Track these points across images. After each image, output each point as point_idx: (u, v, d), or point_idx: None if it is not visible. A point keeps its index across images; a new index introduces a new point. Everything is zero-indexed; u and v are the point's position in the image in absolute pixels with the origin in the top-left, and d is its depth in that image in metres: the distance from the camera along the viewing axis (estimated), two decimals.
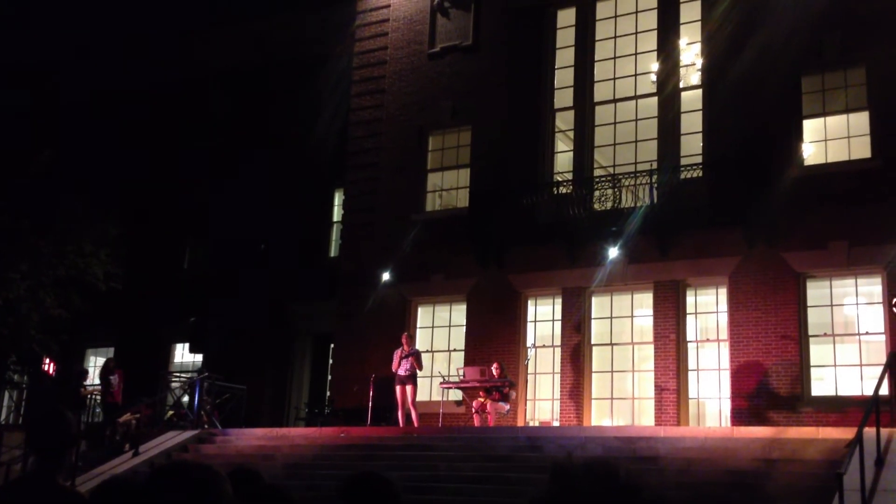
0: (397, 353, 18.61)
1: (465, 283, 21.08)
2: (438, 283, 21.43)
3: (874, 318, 17.62)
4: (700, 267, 18.83)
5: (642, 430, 16.86)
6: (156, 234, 27.43)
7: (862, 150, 18.14)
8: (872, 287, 17.79)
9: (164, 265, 27.45)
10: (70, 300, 22.31)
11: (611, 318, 20.10)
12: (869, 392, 14.41)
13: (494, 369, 18.25)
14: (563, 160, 21.78)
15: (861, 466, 10.80)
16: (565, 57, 21.74)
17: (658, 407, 18.58)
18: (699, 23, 20.28)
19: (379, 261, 21.96)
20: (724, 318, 18.72)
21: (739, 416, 17.65)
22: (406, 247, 21.65)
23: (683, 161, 19.65)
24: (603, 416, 19.77)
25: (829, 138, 18.63)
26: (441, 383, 19.33)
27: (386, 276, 21.76)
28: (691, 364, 18.91)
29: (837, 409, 16.88)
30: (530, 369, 20.23)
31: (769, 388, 17.69)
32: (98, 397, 22.17)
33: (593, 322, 20.08)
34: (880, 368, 14.23)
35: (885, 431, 12.46)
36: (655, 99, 20.44)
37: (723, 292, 18.79)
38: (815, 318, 17.96)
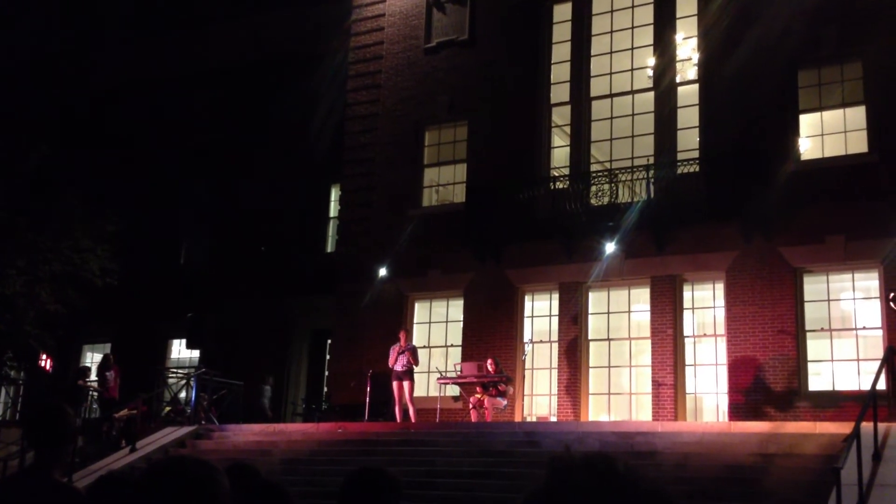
0: (394, 349, 18.59)
1: (463, 279, 21.08)
2: (435, 279, 21.43)
3: (871, 313, 17.63)
4: (697, 262, 18.84)
5: (640, 425, 16.87)
6: (152, 230, 27.39)
7: (859, 144, 18.14)
8: (869, 281, 17.80)
9: (160, 261, 27.43)
10: (66, 296, 22.29)
11: (608, 313, 20.11)
12: (866, 386, 14.44)
13: (489, 364, 18.25)
14: (560, 155, 21.77)
15: (858, 461, 10.81)
16: (561, 52, 21.73)
17: (655, 402, 18.59)
18: (695, 17, 20.28)
19: (376, 256, 21.95)
20: (721, 313, 18.72)
21: (737, 411, 17.66)
22: (403, 242, 21.65)
23: (680, 156, 19.65)
24: (600, 411, 19.77)
25: (825, 133, 18.63)
26: (438, 379, 19.32)
27: (383, 272, 21.75)
28: (688, 359, 18.92)
29: (835, 403, 16.89)
30: (527, 364, 20.25)
31: (766, 382, 17.71)
32: (95, 393, 22.16)
33: (590, 317, 20.08)
34: (877, 363, 14.27)
35: (882, 426, 12.47)
36: (652, 94, 20.44)
37: (720, 287, 18.80)
38: (812, 313, 17.97)
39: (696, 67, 20.24)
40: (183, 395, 22.10)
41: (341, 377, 21.47)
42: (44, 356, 25.92)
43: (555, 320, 20.25)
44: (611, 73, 21.16)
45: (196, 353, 24.64)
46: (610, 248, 19.23)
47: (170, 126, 28.45)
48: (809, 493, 11.66)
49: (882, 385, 13.44)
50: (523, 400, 20.18)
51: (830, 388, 17.42)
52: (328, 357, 23.54)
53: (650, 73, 20.66)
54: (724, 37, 19.43)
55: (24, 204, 21.66)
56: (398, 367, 18.45)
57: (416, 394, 18.96)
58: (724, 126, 19.06)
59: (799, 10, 18.68)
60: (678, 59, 20.52)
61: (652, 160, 19.57)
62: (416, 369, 18.82)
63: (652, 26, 20.65)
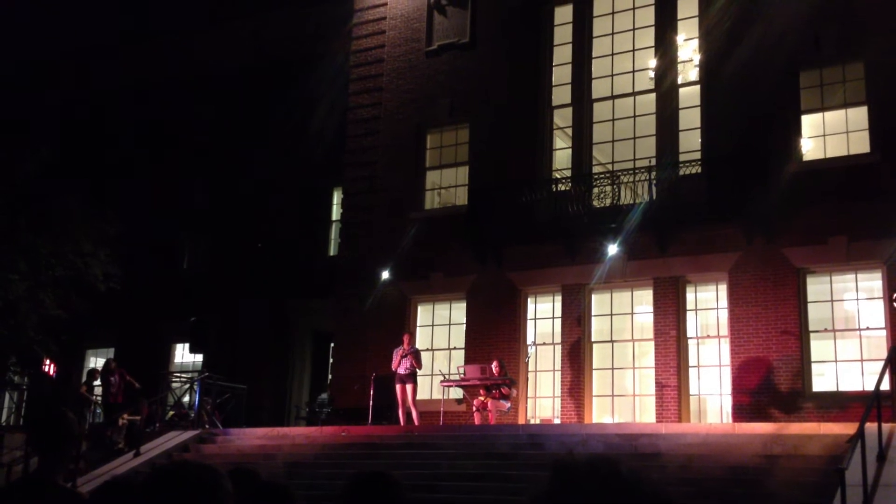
0: (397, 352, 18.59)
1: (465, 281, 21.08)
2: (438, 281, 21.43)
3: (874, 313, 17.62)
4: (699, 263, 18.83)
5: (643, 426, 16.84)
6: (153, 233, 27.38)
7: (860, 144, 18.13)
8: (872, 282, 17.78)
9: (162, 264, 27.43)
10: (69, 301, 22.27)
11: (611, 314, 20.10)
12: (870, 387, 14.43)
13: (494, 367, 18.24)
14: (562, 157, 21.77)
15: (863, 462, 10.80)
16: (563, 54, 21.73)
17: (659, 403, 18.58)
18: (696, 18, 20.28)
19: (378, 259, 21.95)
20: (724, 315, 18.71)
21: (740, 412, 17.64)
22: (405, 245, 21.65)
23: (682, 157, 19.64)
24: (604, 413, 19.76)
25: (827, 133, 18.62)
26: (441, 381, 19.31)
27: (385, 275, 21.75)
28: (692, 360, 18.91)
29: (838, 404, 16.88)
30: (531, 367, 20.23)
31: (770, 383, 17.69)
32: (99, 398, 22.15)
33: (593, 319, 20.08)
34: (881, 363, 14.23)
35: (886, 426, 12.44)
36: (653, 95, 20.43)
37: (723, 288, 18.79)
38: (816, 314, 17.96)
39: (697, 69, 20.24)
40: (186, 399, 22.11)
41: (344, 380, 21.47)
42: (47, 361, 25.91)
43: (557, 322, 20.25)
44: (612, 75, 21.16)
45: (199, 357, 24.68)
46: (612, 249, 19.22)
47: (171, 129, 28.45)
48: (814, 493, 11.65)
49: (886, 385, 13.40)
50: (527, 402, 20.17)
51: (834, 389, 17.40)
52: (331, 360, 23.52)
53: (651, 74, 20.66)
54: (725, 38, 19.43)
55: (24, 206, 21.64)
56: (401, 371, 18.46)
57: (419, 397, 18.96)
58: (726, 127, 19.06)
59: (800, 10, 18.67)
60: (679, 60, 20.52)
61: (654, 161, 19.57)
62: (419, 372, 18.82)
63: (653, 28, 20.65)
